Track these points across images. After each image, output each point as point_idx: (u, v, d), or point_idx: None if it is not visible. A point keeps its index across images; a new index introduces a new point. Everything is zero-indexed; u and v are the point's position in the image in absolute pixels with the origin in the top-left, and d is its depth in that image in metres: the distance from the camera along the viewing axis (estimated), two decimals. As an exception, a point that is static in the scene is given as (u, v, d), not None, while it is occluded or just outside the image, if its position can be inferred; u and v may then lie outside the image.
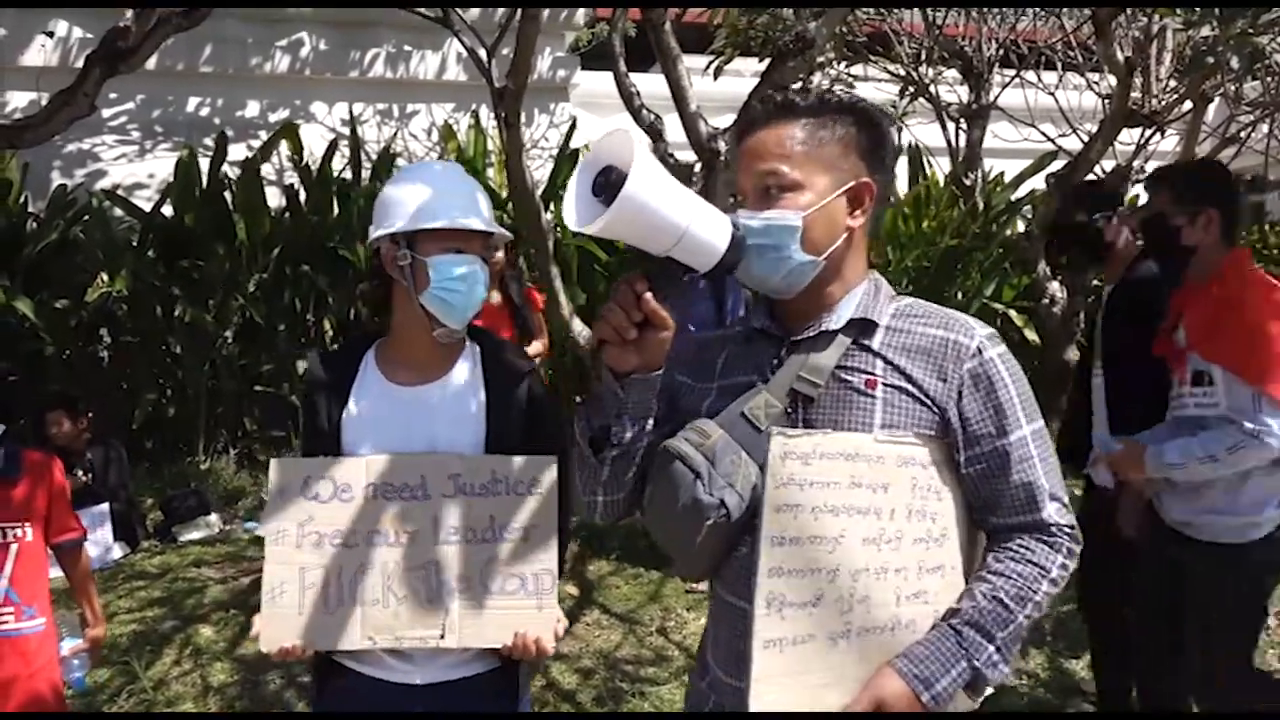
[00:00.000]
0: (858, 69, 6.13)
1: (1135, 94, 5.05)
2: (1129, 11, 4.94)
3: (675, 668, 3.83)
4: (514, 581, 1.75)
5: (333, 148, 7.01)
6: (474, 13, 6.34)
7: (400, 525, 1.77)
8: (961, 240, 6.83)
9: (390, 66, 8.21)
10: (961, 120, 5.88)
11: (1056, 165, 6.19)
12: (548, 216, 4.88)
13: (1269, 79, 5.19)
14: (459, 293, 1.76)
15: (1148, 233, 2.81)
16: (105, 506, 5.12)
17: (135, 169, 7.46)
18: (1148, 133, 5.55)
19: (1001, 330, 4.88)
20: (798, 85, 4.73)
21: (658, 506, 1.44)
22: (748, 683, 1.33)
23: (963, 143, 5.81)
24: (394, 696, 1.79)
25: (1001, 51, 6.00)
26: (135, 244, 6.58)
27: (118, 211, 6.71)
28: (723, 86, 5.73)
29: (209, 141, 6.99)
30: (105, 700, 3.66)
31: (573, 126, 7.68)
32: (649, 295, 1.31)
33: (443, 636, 1.74)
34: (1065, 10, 5.91)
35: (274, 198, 6.87)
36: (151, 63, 4.68)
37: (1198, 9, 3.41)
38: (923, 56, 5.96)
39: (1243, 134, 5.51)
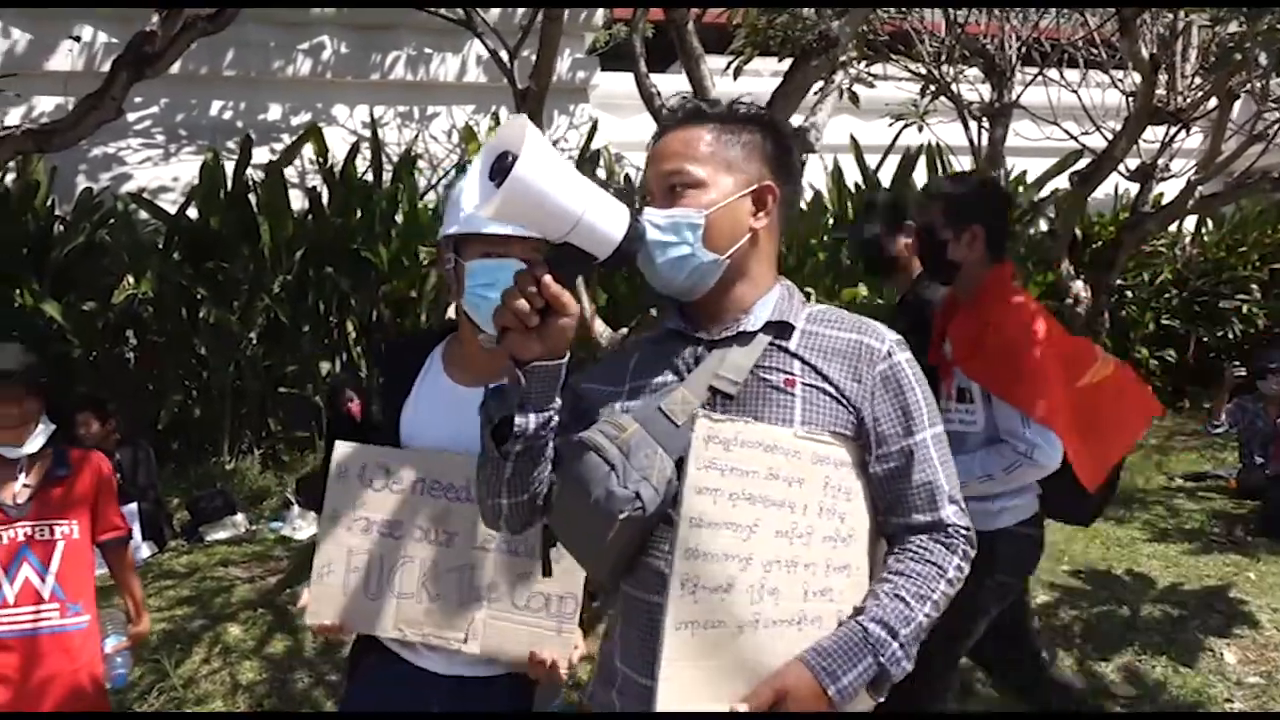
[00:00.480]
0: (878, 68, 6.10)
1: (1160, 91, 5.00)
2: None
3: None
4: (539, 600, 1.78)
5: (355, 150, 7.05)
6: (494, 14, 6.37)
7: (443, 524, 1.80)
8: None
9: (411, 69, 8.24)
10: (984, 119, 5.83)
11: (1080, 164, 6.15)
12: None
13: (1296, 75, 5.13)
14: (489, 300, 1.72)
15: (919, 246, 2.88)
16: (134, 506, 5.18)
17: (160, 172, 7.52)
18: (1173, 130, 5.50)
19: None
20: (818, 85, 4.72)
21: (567, 501, 1.40)
22: (658, 679, 1.31)
23: (985, 141, 5.78)
24: (417, 683, 1.83)
25: (1024, 49, 5.95)
26: (161, 246, 6.65)
27: (143, 214, 6.80)
28: (742, 86, 5.70)
29: (232, 145, 7.06)
30: (136, 698, 3.71)
31: (593, 128, 7.69)
32: (549, 279, 1.28)
33: (465, 641, 1.77)
34: (1089, 7, 5.88)
35: (297, 200, 6.93)
36: (175, 67, 4.71)
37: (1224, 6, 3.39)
38: (944, 55, 5.92)
39: (1270, 131, 5.45)
